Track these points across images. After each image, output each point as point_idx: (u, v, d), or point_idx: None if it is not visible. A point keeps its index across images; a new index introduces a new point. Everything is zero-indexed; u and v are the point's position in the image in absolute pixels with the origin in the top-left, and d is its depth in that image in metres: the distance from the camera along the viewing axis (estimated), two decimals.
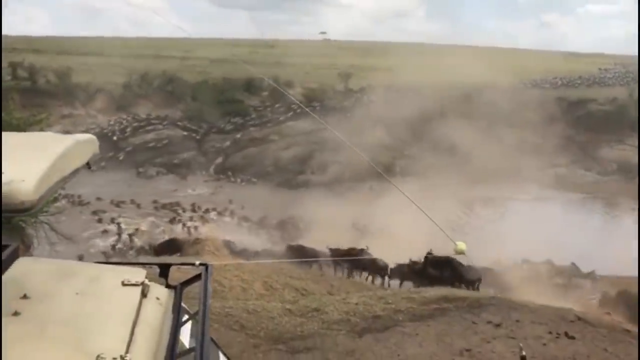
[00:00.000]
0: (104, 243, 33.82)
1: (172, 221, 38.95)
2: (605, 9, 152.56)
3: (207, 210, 41.27)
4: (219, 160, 50.91)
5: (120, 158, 49.12)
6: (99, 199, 41.57)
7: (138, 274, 2.74)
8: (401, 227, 26.06)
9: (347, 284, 20.50)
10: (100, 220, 38.23)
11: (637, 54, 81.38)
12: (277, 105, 55.29)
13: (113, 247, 32.75)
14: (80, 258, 19.20)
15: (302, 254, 23.52)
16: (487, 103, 55.74)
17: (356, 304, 11.85)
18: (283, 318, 10.66)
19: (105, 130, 51.53)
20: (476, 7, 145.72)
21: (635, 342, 11.39)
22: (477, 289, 20.28)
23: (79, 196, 39.87)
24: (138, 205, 42.21)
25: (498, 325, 10.96)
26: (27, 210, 1.92)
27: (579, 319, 12.40)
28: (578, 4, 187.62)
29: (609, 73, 74.19)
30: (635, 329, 13.02)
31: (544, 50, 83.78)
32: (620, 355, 10.13)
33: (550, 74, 69.57)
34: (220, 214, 40.59)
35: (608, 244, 30.69)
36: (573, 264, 27.10)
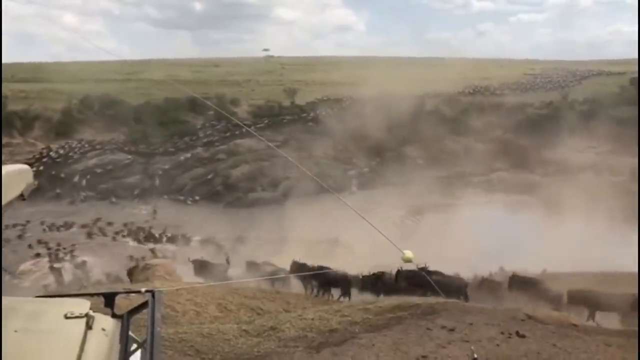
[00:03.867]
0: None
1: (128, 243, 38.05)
2: (535, 17, 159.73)
3: (155, 234, 40.46)
4: (166, 182, 49.89)
5: (63, 185, 47.57)
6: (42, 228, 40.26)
7: (82, 306, 2.66)
8: (353, 239, 26.27)
9: (303, 299, 20.41)
10: (48, 253, 36.76)
11: (565, 59, 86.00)
12: (223, 124, 54.85)
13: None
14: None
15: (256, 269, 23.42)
16: (431, 112, 57.20)
17: (312, 319, 11.84)
18: (239, 339, 10.54)
19: (44, 158, 49.84)
20: (414, 19, 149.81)
21: (582, 335, 11.84)
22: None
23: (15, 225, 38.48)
24: (89, 234, 40.99)
25: (452, 330, 11.17)
26: None
27: (529, 317, 12.81)
28: (511, 13, 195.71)
29: (543, 78, 77.47)
30: (580, 323, 13.55)
31: (481, 59, 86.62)
32: (569, 350, 10.50)
33: (488, 81, 72.03)
34: (168, 237, 39.77)
35: (555, 243, 31.73)
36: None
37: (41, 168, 47.33)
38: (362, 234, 19.91)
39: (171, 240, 39.24)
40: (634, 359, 10.25)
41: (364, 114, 55.25)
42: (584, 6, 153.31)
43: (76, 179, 48.61)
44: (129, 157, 51.84)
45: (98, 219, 42.83)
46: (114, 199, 47.72)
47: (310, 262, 22.97)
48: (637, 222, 41.33)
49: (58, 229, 41.32)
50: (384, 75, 64.47)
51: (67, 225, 41.87)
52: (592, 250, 30.29)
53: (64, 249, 37.08)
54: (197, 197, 48.31)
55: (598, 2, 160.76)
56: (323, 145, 53.96)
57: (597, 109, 57.75)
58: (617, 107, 56.97)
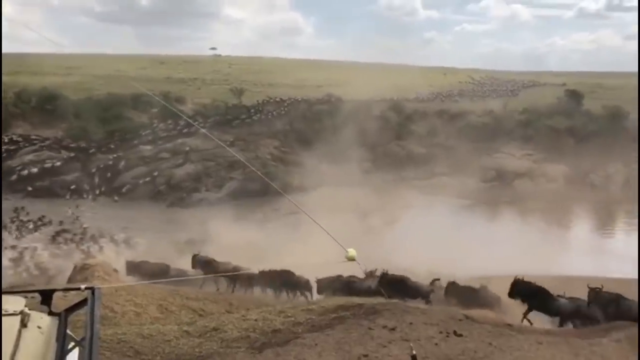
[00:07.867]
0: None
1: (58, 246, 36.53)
2: (478, 28, 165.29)
3: (93, 236, 39.13)
4: (106, 181, 48.37)
5: None
6: None
7: (17, 303, 2.59)
8: (299, 240, 26.32)
9: (247, 300, 20.28)
10: None
11: (505, 69, 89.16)
12: (167, 122, 53.73)
13: None
14: None
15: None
16: (378, 117, 58.08)
17: (255, 320, 11.81)
18: (180, 340, 10.39)
19: None
20: (362, 25, 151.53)
21: (516, 334, 12.33)
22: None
23: None
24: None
25: (393, 329, 11.40)
26: None
27: (467, 317, 13.23)
28: (455, 23, 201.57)
29: (485, 87, 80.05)
30: (515, 323, 14.09)
31: (426, 66, 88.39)
32: (503, 348, 10.92)
33: (432, 88, 73.70)
34: (108, 238, 38.51)
35: (492, 246, 32.78)
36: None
37: None
38: (309, 234, 20.05)
39: (109, 240, 38.02)
40: (563, 356, 10.77)
41: (311, 116, 55.59)
42: (523, 19, 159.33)
43: (10, 176, 46.44)
44: (68, 153, 49.97)
45: (40, 218, 41.06)
46: (50, 197, 45.84)
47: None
48: (567, 228, 43.41)
49: None
50: (331, 79, 65.09)
51: None
52: (526, 254, 31.52)
53: None
54: (139, 197, 47.12)
55: (537, 15, 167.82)
56: (269, 146, 53.87)
57: (534, 118, 60.39)
58: (552, 116, 59.77)
